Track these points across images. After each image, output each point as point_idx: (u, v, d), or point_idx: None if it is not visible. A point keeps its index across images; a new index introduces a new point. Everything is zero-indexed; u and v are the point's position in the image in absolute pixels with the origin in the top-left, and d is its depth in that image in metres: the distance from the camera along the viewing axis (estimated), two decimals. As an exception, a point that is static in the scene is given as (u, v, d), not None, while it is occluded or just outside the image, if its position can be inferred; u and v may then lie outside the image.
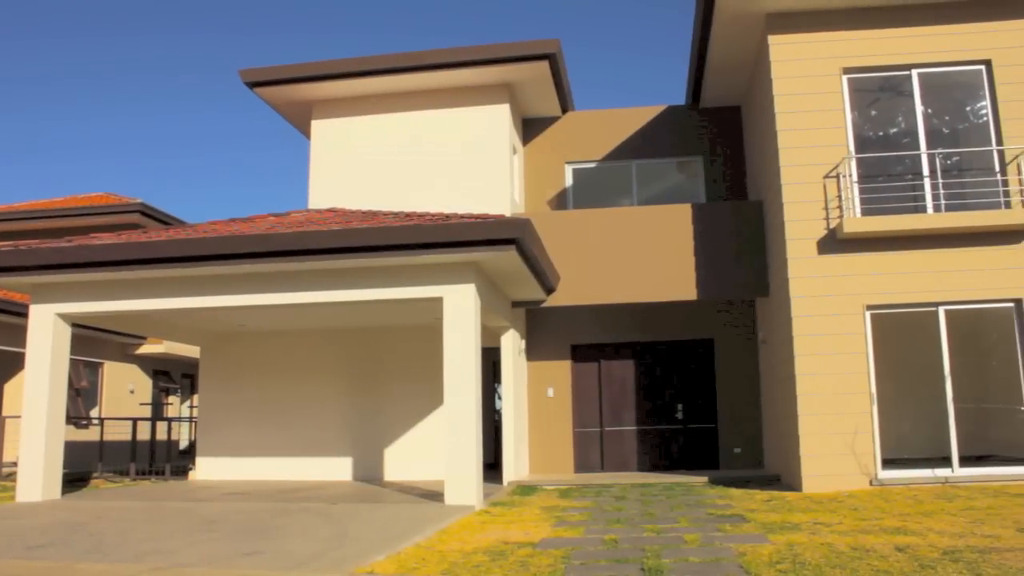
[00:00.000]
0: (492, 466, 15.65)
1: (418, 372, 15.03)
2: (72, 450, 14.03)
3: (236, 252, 10.87)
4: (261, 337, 15.98)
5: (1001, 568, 6.06)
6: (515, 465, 13.98)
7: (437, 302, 11.22)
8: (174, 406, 24.99)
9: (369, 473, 15.14)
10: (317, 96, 15.59)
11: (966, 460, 11.53)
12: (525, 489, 12.96)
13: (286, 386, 15.73)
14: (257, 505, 11.15)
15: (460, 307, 11.06)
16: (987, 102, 12.24)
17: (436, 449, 13.40)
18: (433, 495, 11.62)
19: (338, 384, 15.64)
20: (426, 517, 9.47)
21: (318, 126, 15.78)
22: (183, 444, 23.54)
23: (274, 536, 8.38)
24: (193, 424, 20.68)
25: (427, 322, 14.15)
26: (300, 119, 16.59)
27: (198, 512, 10.44)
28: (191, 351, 20.82)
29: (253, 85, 15.14)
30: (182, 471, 16.57)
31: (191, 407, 24.50)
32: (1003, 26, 12.22)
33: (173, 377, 24.57)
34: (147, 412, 21.76)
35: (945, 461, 11.50)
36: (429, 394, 14.74)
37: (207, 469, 15.71)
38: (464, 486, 10.65)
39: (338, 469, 15.25)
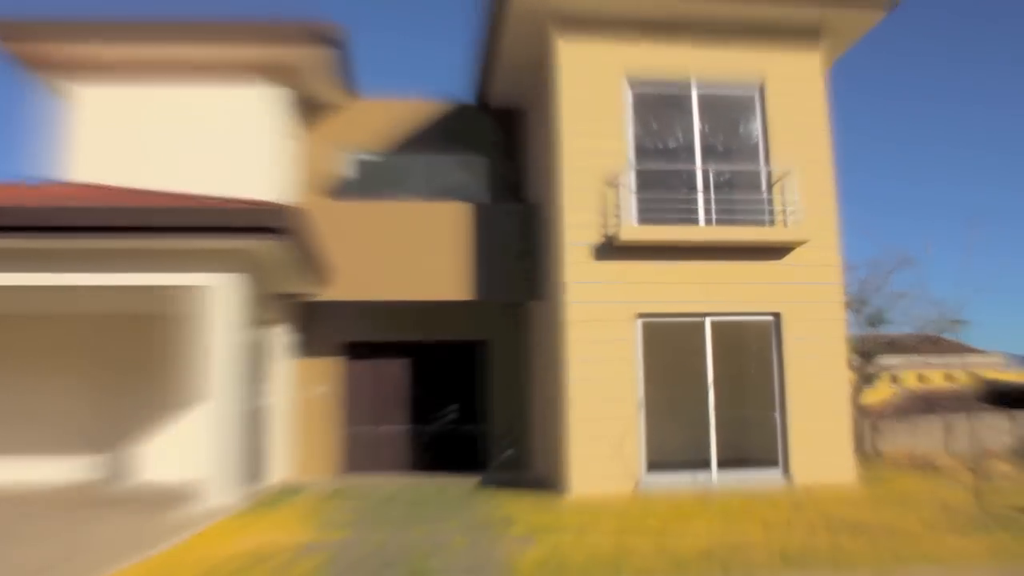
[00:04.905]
0: (255, 466, 14.86)
1: (175, 365, 14.00)
2: None
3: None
4: (-10, 321, 14.36)
5: (748, 564, 6.59)
6: (281, 465, 13.32)
7: (199, 291, 10.46)
8: None
9: (117, 473, 13.95)
10: (71, 57, 14.07)
11: (724, 464, 12.00)
12: (290, 490, 12.40)
13: (17, 376, 14.17)
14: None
15: (223, 298, 10.35)
16: (759, 124, 12.86)
17: (194, 447, 12.50)
18: (189, 496, 10.80)
19: (82, 375, 14.21)
20: (181, 521, 8.90)
21: (71, 90, 14.20)
22: None
23: (-8, 546, 7.45)
24: None
25: (187, 312, 13.21)
26: (52, 81, 14.87)
27: None
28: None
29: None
30: None
31: None
32: (775, 54, 12.90)
33: None
34: None
35: (705, 465, 11.90)
36: (188, 389, 13.77)
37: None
38: (223, 487, 10.01)
39: (80, 469, 13.91)
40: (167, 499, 11.05)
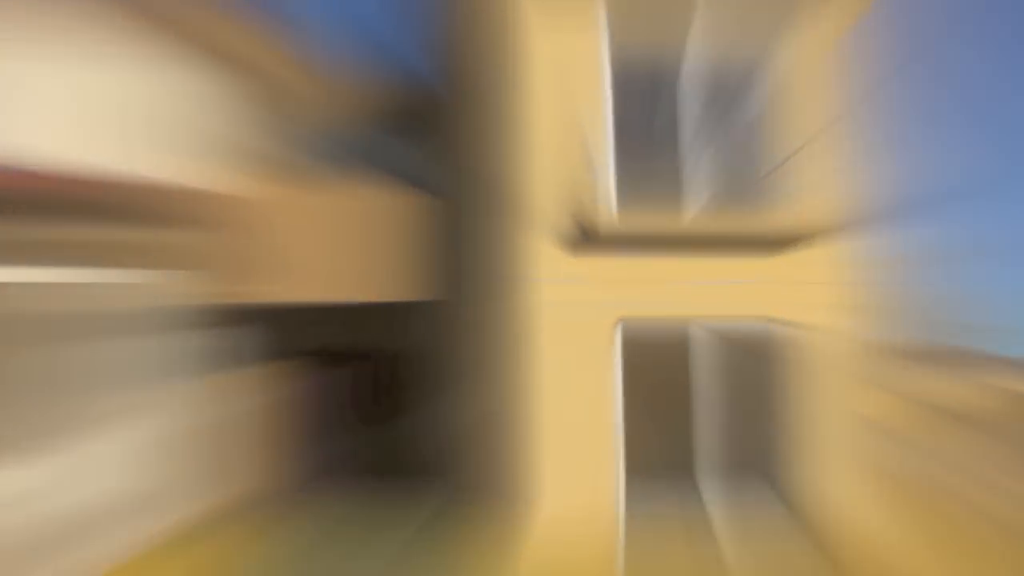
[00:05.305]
0: (193, 485, 13.83)
1: (87, 372, 12.88)
2: None
3: None
4: None
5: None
6: (226, 482, 12.33)
7: (125, 289, 9.39)
8: None
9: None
10: None
11: (716, 482, 11.05)
12: (232, 510, 11.59)
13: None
14: None
15: (150, 297, 9.36)
16: (759, 105, 11.70)
17: (115, 467, 11.41)
18: (108, 524, 9.64)
19: None
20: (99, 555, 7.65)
21: None
22: None
23: None
24: None
25: (115, 314, 12.14)
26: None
27: None
28: None
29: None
30: None
31: None
32: (779, 19, 11.66)
33: None
34: None
35: (693, 483, 10.94)
36: (105, 401, 12.64)
37: None
38: (150, 510, 9.11)
39: None
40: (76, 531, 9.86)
